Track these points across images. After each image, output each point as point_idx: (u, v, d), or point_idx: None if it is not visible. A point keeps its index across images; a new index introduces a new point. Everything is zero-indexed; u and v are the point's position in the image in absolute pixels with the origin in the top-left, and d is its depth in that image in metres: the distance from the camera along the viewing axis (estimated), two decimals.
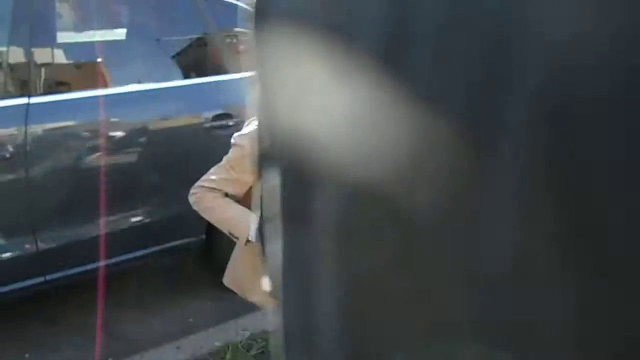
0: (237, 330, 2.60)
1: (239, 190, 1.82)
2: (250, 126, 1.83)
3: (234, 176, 1.80)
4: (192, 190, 1.83)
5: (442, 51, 0.31)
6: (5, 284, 2.31)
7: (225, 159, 1.84)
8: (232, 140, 1.83)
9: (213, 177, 1.82)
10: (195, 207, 1.83)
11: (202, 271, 3.05)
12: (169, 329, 2.69)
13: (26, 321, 2.71)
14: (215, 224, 1.83)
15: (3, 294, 2.31)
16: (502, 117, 0.28)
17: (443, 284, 0.32)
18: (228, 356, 2.41)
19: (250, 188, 1.84)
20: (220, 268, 2.05)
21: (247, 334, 2.56)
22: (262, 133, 0.51)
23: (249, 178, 1.80)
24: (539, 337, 0.28)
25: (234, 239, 1.79)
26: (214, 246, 2.72)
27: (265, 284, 0.51)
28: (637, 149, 0.24)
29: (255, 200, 1.92)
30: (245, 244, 1.78)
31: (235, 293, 1.98)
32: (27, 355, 2.50)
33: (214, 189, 1.80)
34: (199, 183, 1.83)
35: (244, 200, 1.89)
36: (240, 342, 2.50)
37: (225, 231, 1.80)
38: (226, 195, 1.81)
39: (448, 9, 0.30)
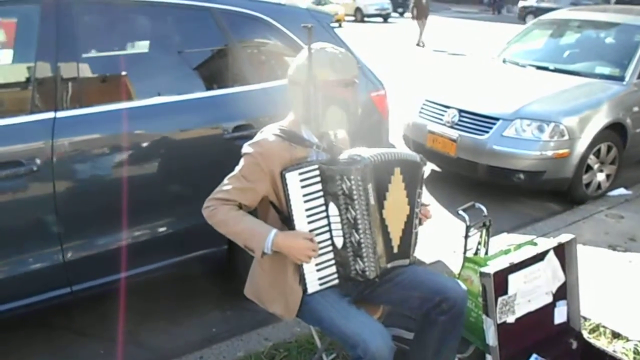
0: (259, 340, 2.60)
1: (252, 199, 1.83)
2: (262, 134, 1.85)
3: (246, 185, 1.80)
4: (205, 204, 1.82)
5: None
6: (33, 295, 2.35)
7: (237, 168, 1.85)
8: (243, 150, 1.84)
9: (226, 187, 1.82)
10: (209, 221, 1.82)
11: (224, 282, 3.06)
12: (192, 339, 2.70)
13: (54, 332, 2.75)
14: (229, 237, 1.82)
15: (30, 305, 2.35)
16: None
17: None
18: None
19: (264, 198, 1.85)
20: (241, 278, 2.06)
21: (269, 344, 2.55)
22: None
23: (260, 186, 1.81)
24: None
25: (250, 252, 1.79)
26: (236, 256, 2.73)
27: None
28: None
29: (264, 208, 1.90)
30: (262, 256, 1.78)
31: (257, 304, 1.98)
32: None
33: (227, 200, 1.80)
34: (212, 195, 1.83)
35: (261, 209, 1.90)
36: (263, 352, 2.50)
37: (241, 244, 1.80)
38: (240, 206, 1.82)
39: None
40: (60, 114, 2.30)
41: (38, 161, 2.22)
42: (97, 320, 2.80)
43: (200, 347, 2.58)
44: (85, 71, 2.50)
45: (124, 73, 2.65)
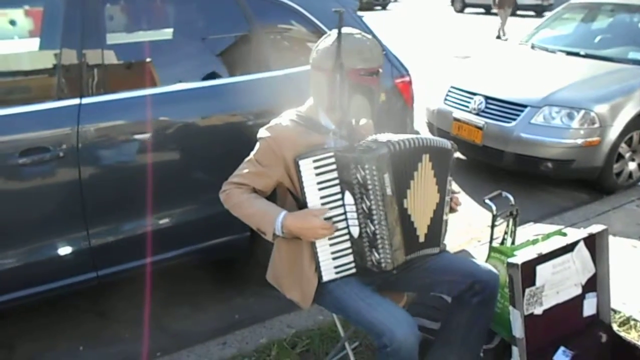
0: (281, 327, 2.60)
1: (266, 184, 1.83)
2: (277, 119, 1.83)
3: (259, 170, 1.80)
4: (222, 188, 1.85)
5: None
6: (59, 279, 2.38)
7: (252, 152, 1.84)
8: (258, 134, 1.84)
9: (241, 172, 1.83)
10: (225, 205, 1.84)
11: (247, 268, 3.07)
12: (215, 325, 2.72)
13: (80, 315, 2.80)
14: (244, 220, 1.83)
15: (57, 289, 2.39)
16: None
17: None
18: (273, 353, 2.41)
19: (279, 184, 1.83)
20: (264, 265, 2.06)
21: (292, 331, 2.56)
22: None
23: (274, 171, 1.80)
24: None
25: (262, 234, 1.79)
26: (258, 243, 2.73)
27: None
28: None
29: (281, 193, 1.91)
30: (273, 239, 1.77)
31: (278, 290, 1.98)
32: (81, 348, 2.58)
33: (242, 184, 1.81)
34: (229, 180, 1.85)
35: (280, 195, 1.89)
36: (285, 339, 2.50)
37: (254, 227, 1.80)
38: (254, 190, 1.82)
39: None
40: (86, 100, 2.31)
41: (64, 147, 2.24)
42: (123, 304, 2.84)
43: (224, 333, 2.59)
44: (110, 58, 2.50)
45: (148, 59, 2.65)
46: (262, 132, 1.82)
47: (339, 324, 2.10)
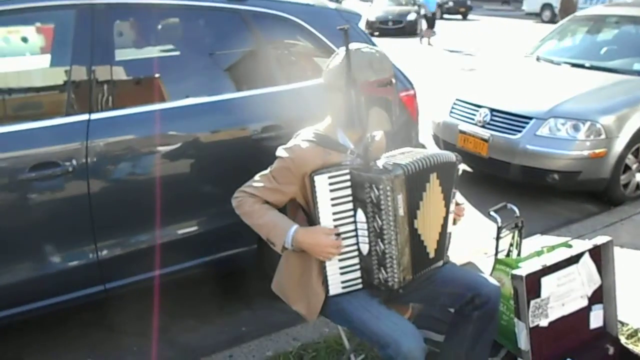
0: (287, 340, 2.61)
1: (279, 200, 1.85)
2: (296, 139, 1.85)
3: (275, 186, 1.83)
4: (235, 194, 1.89)
5: None
6: (68, 292, 2.41)
7: (269, 168, 1.87)
8: (277, 152, 1.86)
9: (256, 184, 1.86)
10: (237, 211, 1.88)
11: (254, 281, 3.08)
12: (222, 338, 2.73)
13: (88, 328, 2.82)
14: (254, 228, 1.86)
15: (66, 302, 2.41)
16: None
17: None
18: None
19: (291, 199, 1.86)
20: (271, 277, 2.07)
21: (298, 344, 2.56)
22: None
23: (289, 189, 1.82)
24: None
25: (271, 245, 1.81)
26: (265, 255, 2.75)
27: None
28: None
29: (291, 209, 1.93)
30: (282, 251, 1.80)
31: (285, 302, 1.99)
32: None
33: (254, 195, 1.84)
34: (242, 188, 1.88)
35: (290, 209, 1.91)
36: (291, 352, 2.50)
37: (264, 236, 1.83)
38: (266, 202, 1.85)
39: None
40: (95, 116, 2.35)
41: (73, 162, 2.28)
42: (130, 317, 2.85)
43: (230, 345, 2.60)
44: (119, 74, 2.55)
45: (156, 75, 2.69)
46: (282, 152, 1.84)
47: (344, 337, 2.10)
